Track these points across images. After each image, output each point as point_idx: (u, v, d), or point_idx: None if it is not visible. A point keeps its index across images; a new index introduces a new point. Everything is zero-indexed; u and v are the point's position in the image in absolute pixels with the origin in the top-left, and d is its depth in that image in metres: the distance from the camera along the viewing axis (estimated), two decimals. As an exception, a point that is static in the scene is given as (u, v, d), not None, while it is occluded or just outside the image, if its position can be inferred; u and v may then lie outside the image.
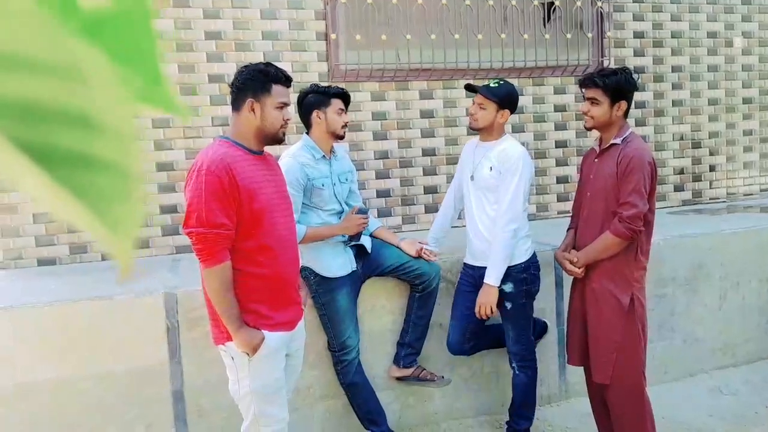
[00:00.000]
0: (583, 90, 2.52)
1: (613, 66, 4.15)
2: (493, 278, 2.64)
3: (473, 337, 2.89)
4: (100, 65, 0.29)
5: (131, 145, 0.30)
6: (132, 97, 0.33)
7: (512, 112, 2.71)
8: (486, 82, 2.73)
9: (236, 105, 2.07)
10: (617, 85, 2.43)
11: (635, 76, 2.56)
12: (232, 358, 2.06)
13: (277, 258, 2.08)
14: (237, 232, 1.99)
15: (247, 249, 2.02)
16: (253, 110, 2.03)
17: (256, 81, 2.05)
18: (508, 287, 2.71)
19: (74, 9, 0.31)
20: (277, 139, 2.12)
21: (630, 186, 2.37)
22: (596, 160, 2.55)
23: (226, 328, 2.02)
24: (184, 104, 0.32)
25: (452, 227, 3.05)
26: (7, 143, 0.28)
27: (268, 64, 2.13)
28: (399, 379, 3.04)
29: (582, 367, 2.69)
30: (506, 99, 2.65)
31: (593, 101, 2.46)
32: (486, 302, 2.66)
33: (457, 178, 2.92)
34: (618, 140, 2.46)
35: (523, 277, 2.72)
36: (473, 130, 2.75)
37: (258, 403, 2.08)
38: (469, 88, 2.76)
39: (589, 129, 2.57)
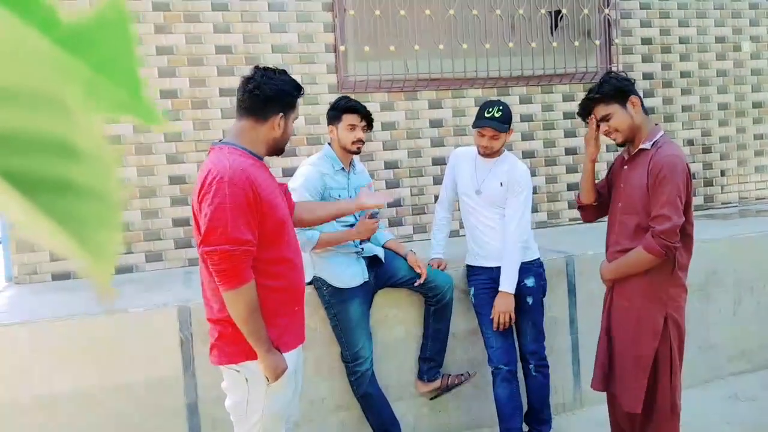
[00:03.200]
0: (592, 115, 2.34)
1: (622, 73, 4.16)
2: (509, 287, 2.73)
3: (513, 345, 2.87)
4: (78, 95, 0.29)
5: (111, 173, 0.30)
6: (112, 108, 0.34)
7: None
8: (491, 112, 2.67)
9: (259, 114, 1.96)
10: (614, 88, 2.26)
11: (622, 72, 2.41)
12: (246, 380, 1.94)
13: (294, 268, 2.02)
14: (258, 245, 1.87)
15: (266, 261, 1.92)
16: (279, 125, 1.98)
17: (290, 96, 1.99)
18: (531, 281, 2.82)
19: (55, 23, 0.32)
20: (282, 151, 2.09)
21: (663, 197, 2.14)
22: (625, 167, 2.35)
23: (246, 347, 1.90)
24: (162, 114, 0.34)
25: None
26: None
27: (289, 77, 2.04)
28: (434, 397, 3.05)
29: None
30: (511, 118, 2.74)
31: (606, 117, 2.28)
32: (506, 310, 2.74)
33: (450, 188, 2.96)
34: (647, 144, 2.25)
35: (540, 272, 2.87)
36: (486, 156, 2.78)
37: (266, 426, 1.98)
38: (478, 124, 2.69)
39: (621, 144, 2.34)
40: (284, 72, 2.03)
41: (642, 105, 2.31)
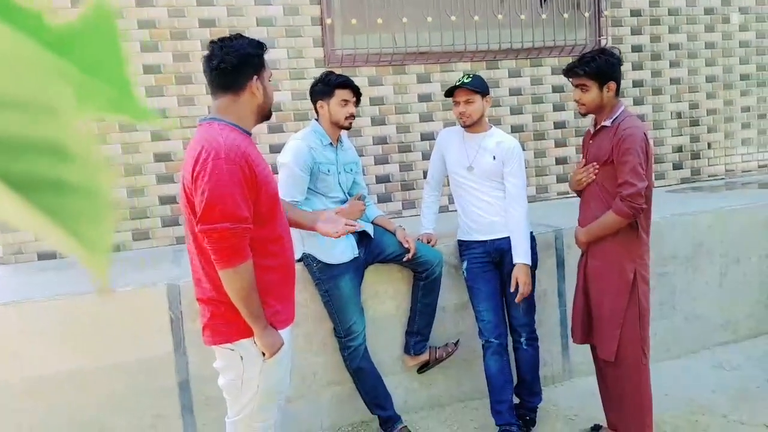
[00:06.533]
0: (570, 79, 2.58)
1: (609, 45, 4.14)
2: (525, 257, 2.77)
3: (504, 318, 2.91)
4: (69, 98, 0.31)
5: (100, 170, 0.32)
6: (104, 108, 0.35)
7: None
8: (461, 79, 2.75)
9: (233, 86, 1.90)
10: (599, 70, 2.47)
11: (616, 50, 2.58)
12: (241, 357, 1.93)
13: (286, 246, 2.01)
14: (253, 223, 1.85)
15: (261, 239, 1.89)
16: (257, 88, 1.93)
17: (256, 58, 1.93)
18: None
19: (44, 28, 0.33)
20: (270, 114, 2.05)
21: (627, 166, 2.41)
22: (591, 141, 2.60)
23: (240, 325, 1.89)
24: (153, 111, 0.34)
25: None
26: None
27: (247, 38, 1.98)
28: (421, 370, 3.08)
29: (587, 346, 2.72)
30: (484, 86, 2.79)
31: (582, 87, 2.51)
32: (528, 280, 2.77)
33: (437, 167, 3.00)
34: (608, 122, 2.50)
35: (532, 246, 2.87)
36: (466, 126, 2.80)
37: (261, 402, 1.99)
38: (449, 92, 2.78)
39: (584, 115, 2.61)
40: (240, 35, 1.98)
41: (618, 88, 2.53)
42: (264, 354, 1.93)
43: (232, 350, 1.94)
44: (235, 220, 1.78)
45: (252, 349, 1.92)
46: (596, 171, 2.55)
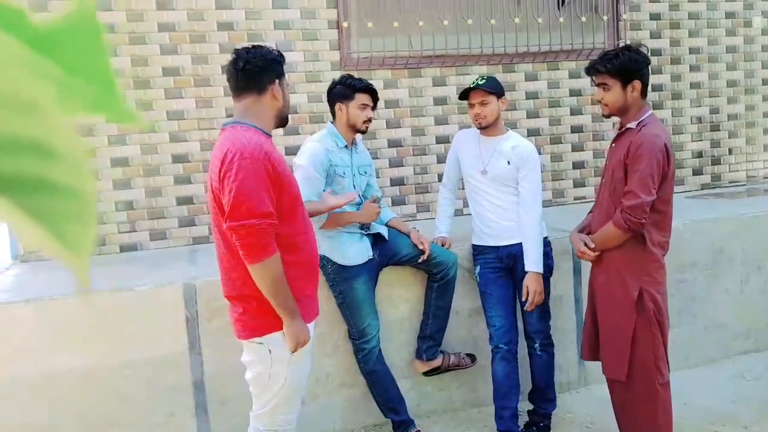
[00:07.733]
0: (593, 77, 2.42)
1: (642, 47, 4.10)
2: (537, 266, 2.71)
3: (515, 325, 2.87)
4: (52, 96, 0.30)
5: (84, 170, 0.31)
6: (86, 108, 0.35)
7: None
8: (475, 81, 2.75)
9: (258, 87, 2.01)
10: (622, 67, 2.29)
11: (643, 48, 2.39)
12: (270, 351, 1.99)
13: (309, 242, 2.07)
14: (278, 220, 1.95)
15: (284, 236, 1.96)
16: (277, 91, 2.04)
17: (277, 64, 2.05)
18: None
19: (26, 25, 0.33)
20: (287, 120, 2.15)
21: (636, 175, 2.22)
22: (613, 145, 2.45)
23: (270, 320, 1.96)
24: (137, 113, 0.34)
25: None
26: None
27: (269, 47, 2.11)
28: (429, 373, 3.03)
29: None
30: (500, 87, 2.76)
31: (604, 86, 2.34)
32: (538, 289, 2.71)
33: (453, 169, 2.98)
34: (633, 124, 2.32)
35: (548, 251, 2.83)
36: (482, 128, 2.78)
37: (286, 396, 2.03)
38: (464, 94, 2.77)
39: (607, 116, 2.44)
40: (261, 46, 2.12)
41: (644, 89, 2.35)
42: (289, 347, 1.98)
43: (261, 344, 2.00)
44: (261, 216, 1.86)
45: (281, 343, 1.98)
46: (594, 254, 2.41)
